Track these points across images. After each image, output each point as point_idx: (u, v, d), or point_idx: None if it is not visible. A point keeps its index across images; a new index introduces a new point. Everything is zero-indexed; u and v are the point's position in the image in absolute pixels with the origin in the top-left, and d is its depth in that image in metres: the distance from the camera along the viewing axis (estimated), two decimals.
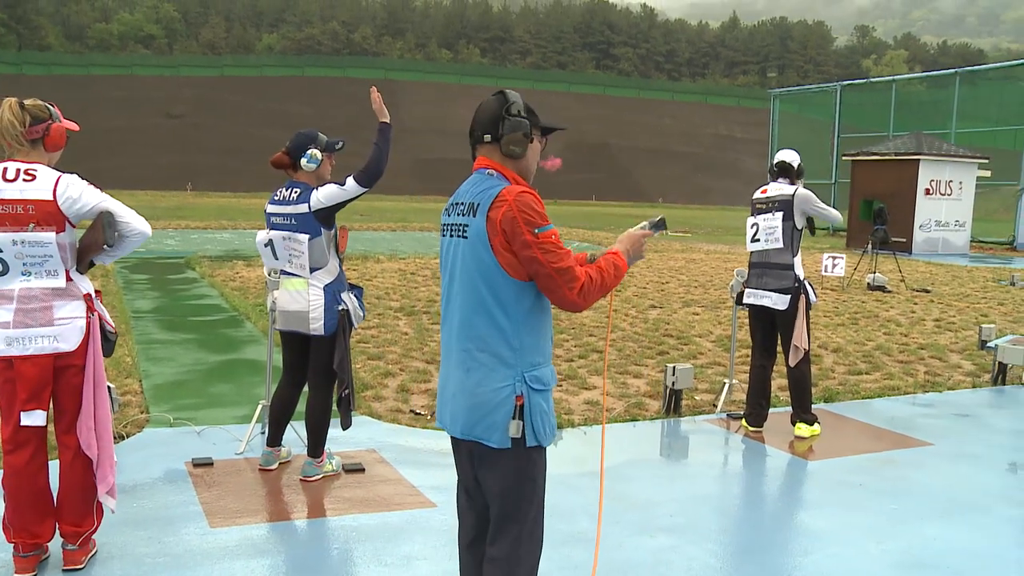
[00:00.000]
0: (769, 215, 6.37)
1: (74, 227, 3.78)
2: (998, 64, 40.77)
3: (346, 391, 5.06)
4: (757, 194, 6.56)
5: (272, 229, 5.04)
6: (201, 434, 5.98)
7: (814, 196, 6.42)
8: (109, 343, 3.93)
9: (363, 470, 5.33)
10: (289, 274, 5.05)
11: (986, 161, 28.07)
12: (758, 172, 57.51)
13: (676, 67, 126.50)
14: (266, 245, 5.11)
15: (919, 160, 26.25)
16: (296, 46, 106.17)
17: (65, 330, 3.72)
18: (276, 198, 5.05)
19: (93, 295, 3.86)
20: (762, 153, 52.99)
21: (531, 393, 2.84)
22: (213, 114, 78.77)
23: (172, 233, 24.73)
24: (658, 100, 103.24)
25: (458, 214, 2.91)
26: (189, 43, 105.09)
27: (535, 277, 2.81)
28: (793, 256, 6.33)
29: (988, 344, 9.77)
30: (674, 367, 6.88)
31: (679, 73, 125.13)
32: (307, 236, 4.87)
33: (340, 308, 4.95)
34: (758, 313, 6.52)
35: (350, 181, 4.83)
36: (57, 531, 3.90)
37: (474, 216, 2.83)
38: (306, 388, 5.25)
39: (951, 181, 26.94)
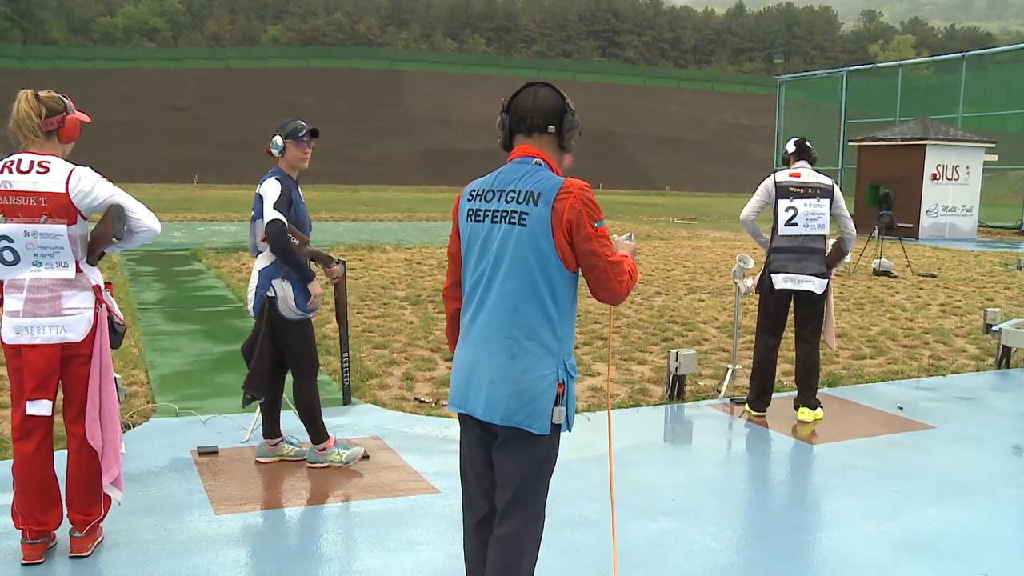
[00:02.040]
0: (813, 201, 6.34)
1: (85, 220, 3.82)
2: (1006, 47, 40.56)
3: (248, 372, 5.04)
4: (784, 177, 6.42)
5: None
6: (206, 423, 6.02)
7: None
8: (117, 335, 3.97)
9: (367, 457, 5.36)
10: None
11: (993, 145, 27.95)
12: (764, 159, 57.44)
13: (682, 54, 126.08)
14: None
15: (926, 145, 26.16)
16: (301, 37, 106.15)
17: (73, 320, 3.76)
18: None
19: (102, 287, 3.90)
20: (768, 140, 52.84)
21: (568, 380, 2.93)
22: (218, 107, 78.85)
23: (178, 225, 24.79)
24: (664, 88, 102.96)
25: (507, 200, 2.89)
26: (194, 36, 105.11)
27: (590, 270, 2.88)
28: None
29: (993, 328, 9.75)
30: (677, 353, 6.90)
31: (685, 60, 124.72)
32: (253, 214, 4.98)
33: (267, 294, 4.94)
34: (786, 298, 6.45)
35: (270, 215, 4.76)
36: (65, 519, 3.94)
37: (535, 205, 2.83)
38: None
39: (958, 166, 26.84)
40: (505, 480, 2.98)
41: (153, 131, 71.80)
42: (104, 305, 3.88)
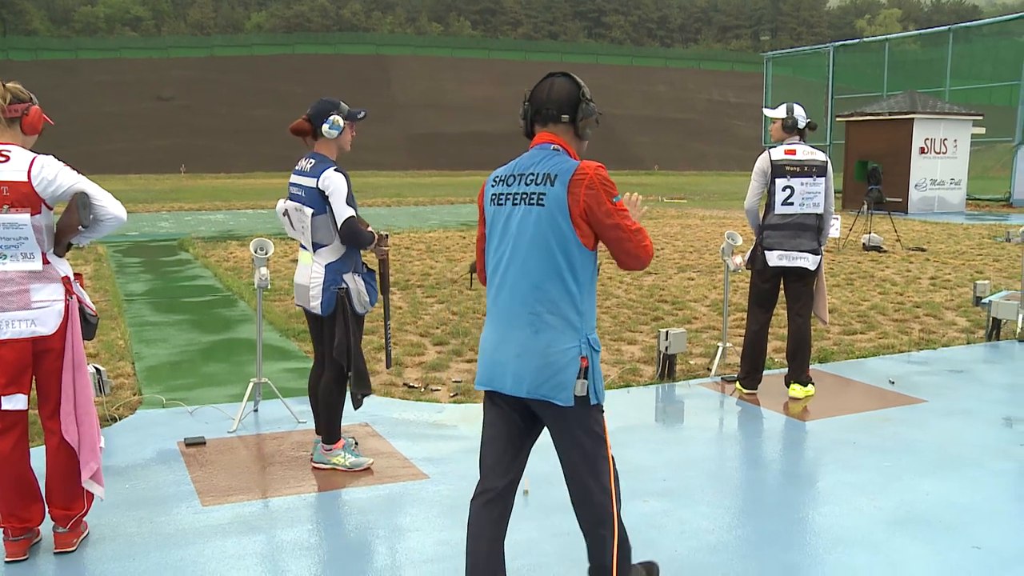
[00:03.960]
0: (810, 180, 6.25)
1: (50, 209, 3.73)
2: (992, 19, 40.49)
3: (349, 374, 4.89)
4: (780, 155, 6.29)
5: (289, 199, 4.88)
6: (194, 414, 5.97)
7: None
8: (90, 326, 3.90)
9: (356, 443, 5.30)
10: (304, 247, 4.88)
11: (980, 118, 27.89)
12: (753, 137, 57.34)
13: (668, 33, 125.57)
14: (284, 214, 4.93)
15: (913, 119, 26.10)
16: (286, 24, 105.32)
17: (43, 313, 3.68)
18: (298, 168, 4.87)
19: (71, 278, 3.82)
20: (756, 118, 52.75)
21: (592, 355, 3.03)
22: (204, 95, 78.28)
23: (166, 216, 24.66)
24: (651, 67, 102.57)
25: (526, 183, 3.04)
26: (177, 24, 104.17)
27: (617, 242, 3.03)
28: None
29: (982, 300, 9.75)
30: (667, 332, 6.86)
31: (671, 39, 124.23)
32: (311, 211, 4.70)
33: (339, 288, 4.76)
34: (778, 274, 6.40)
35: (345, 212, 4.66)
36: (48, 515, 3.89)
37: (552, 185, 2.98)
38: None
39: (946, 139, 26.80)
40: (564, 454, 3.12)
41: (139, 121, 71.24)
42: (75, 296, 3.80)
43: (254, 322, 9.10)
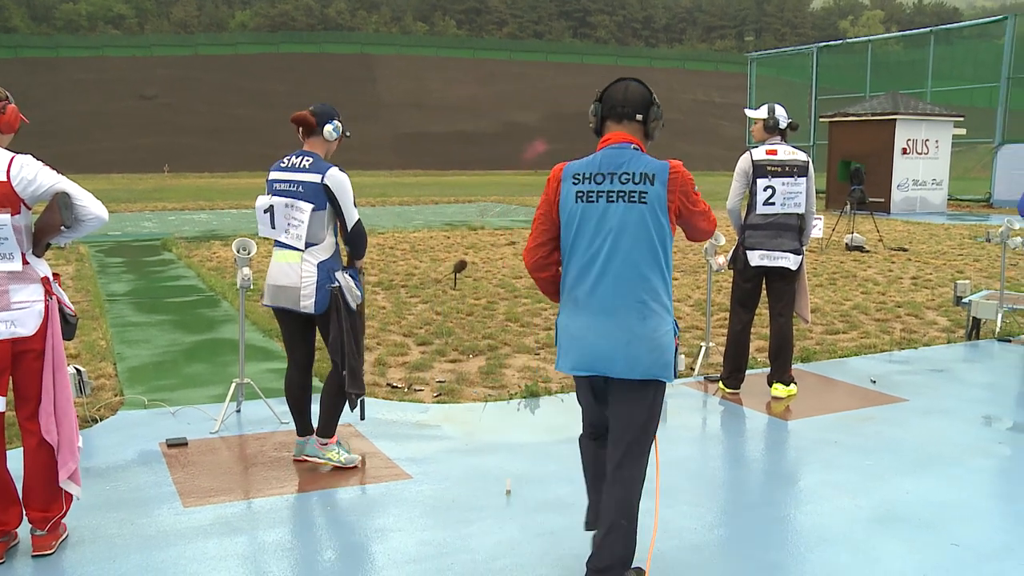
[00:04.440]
0: (791, 180, 6.27)
1: (29, 209, 3.71)
2: (973, 22, 40.80)
3: (344, 372, 4.88)
4: (761, 155, 6.30)
5: (275, 195, 4.80)
6: (176, 415, 5.94)
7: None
8: (70, 326, 3.87)
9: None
10: (283, 246, 4.80)
11: (961, 119, 28.08)
12: (737, 136, 57.55)
13: (653, 33, 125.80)
14: (265, 211, 4.84)
15: (895, 120, 26.25)
16: (270, 23, 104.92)
17: (23, 314, 3.65)
18: (283, 165, 4.82)
19: (51, 278, 3.80)
20: (741, 118, 52.89)
21: (678, 335, 3.44)
22: (188, 94, 77.89)
23: (149, 215, 24.53)
24: (636, 67, 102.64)
25: (621, 181, 3.32)
26: (160, 22, 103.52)
27: (695, 224, 3.49)
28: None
29: (963, 300, 9.81)
30: None
31: (656, 39, 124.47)
32: (311, 206, 4.67)
33: (332, 286, 4.73)
34: (760, 274, 6.41)
35: (355, 214, 4.78)
36: (25, 517, 3.86)
37: (652, 184, 3.30)
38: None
39: (927, 140, 26.97)
40: (628, 428, 3.41)
41: (121, 120, 70.82)
42: (54, 297, 3.78)
43: (237, 322, 9.06)
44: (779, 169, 6.27)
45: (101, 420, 5.80)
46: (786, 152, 6.33)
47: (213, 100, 77.40)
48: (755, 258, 6.32)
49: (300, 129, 4.86)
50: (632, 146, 3.39)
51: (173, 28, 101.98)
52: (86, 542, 3.97)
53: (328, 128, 4.81)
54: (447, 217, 24.02)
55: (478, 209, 26.91)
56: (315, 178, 4.68)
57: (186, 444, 5.34)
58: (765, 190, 6.28)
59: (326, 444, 4.96)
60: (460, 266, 11.75)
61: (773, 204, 6.28)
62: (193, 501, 4.47)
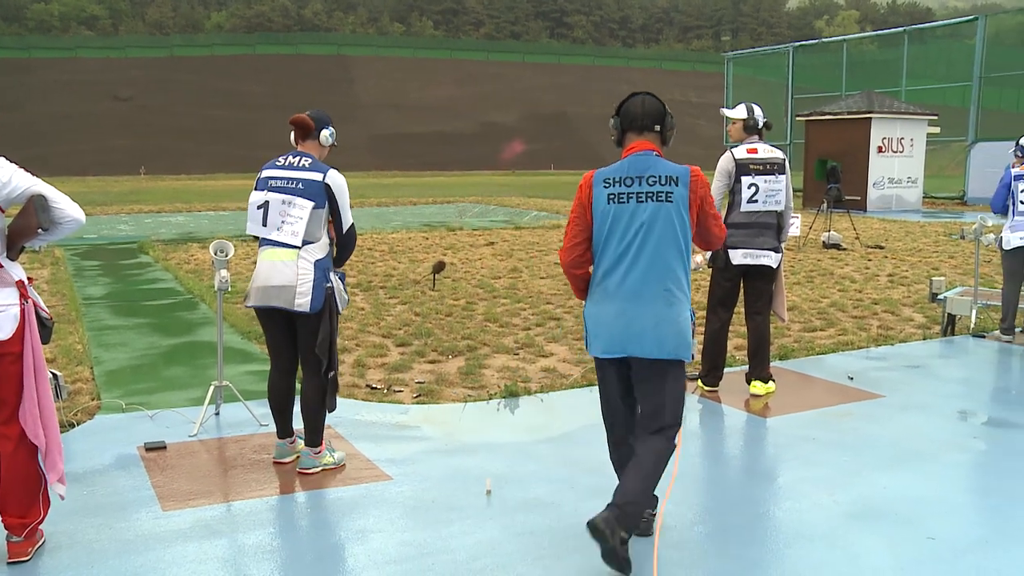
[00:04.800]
0: (772, 177, 6.31)
1: (3, 212, 3.67)
2: (945, 22, 41.19)
3: (331, 373, 4.87)
4: (743, 154, 6.32)
5: (271, 191, 4.76)
6: (154, 418, 5.90)
7: None
8: (46, 329, 3.84)
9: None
10: (274, 244, 4.74)
11: (935, 118, 28.35)
12: (715, 136, 57.74)
13: (630, 33, 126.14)
14: (259, 207, 4.78)
15: (871, 118, 26.46)
16: (246, 24, 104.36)
17: None
18: (280, 163, 4.81)
19: (26, 281, 3.76)
20: (717, 117, 53.00)
21: (694, 320, 3.85)
22: (164, 96, 77.34)
23: (125, 218, 24.36)
24: (613, 67, 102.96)
25: (649, 183, 3.76)
26: (135, 23, 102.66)
27: (709, 227, 3.92)
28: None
29: (938, 296, 9.90)
30: None
31: (633, 39, 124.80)
32: (312, 204, 4.68)
33: (328, 286, 4.74)
34: (740, 273, 6.42)
35: (351, 218, 4.90)
36: (1, 523, 3.82)
37: (676, 186, 3.74)
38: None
39: (902, 138, 27.20)
40: (662, 403, 3.79)
41: (96, 122, 70.23)
42: (30, 300, 3.74)
43: (215, 325, 9.01)
44: (761, 167, 6.31)
45: (78, 424, 5.76)
46: (766, 150, 6.38)
47: (189, 101, 76.93)
48: (737, 257, 6.34)
49: (295, 132, 4.89)
50: (654, 153, 3.85)
51: (148, 29, 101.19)
52: (63, 548, 3.94)
53: (325, 134, 4.89)
54: (425, 218, 23.99)
55: (457, 210, 26.90)
56: (317, 176, 4.73)
57: (165, 448, 5.30)
58: (750, 188, 6.30)
59: (319, 452, 4.94)
60: (439, 267, 11.74)
61: (756, 202, 6.31)
62: (172, 505, 4.45)
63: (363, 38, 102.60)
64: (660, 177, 3.76)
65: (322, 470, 4.92)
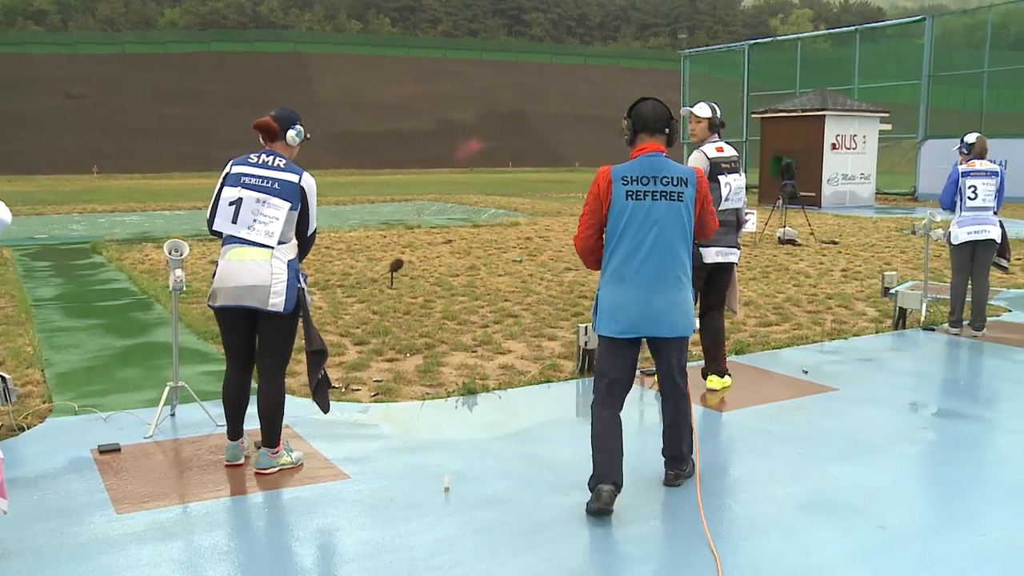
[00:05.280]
0: (736, 175, 6.36)
1: None
2: (896, 21, 41.90)
3: (323, 373, 4.86)
4: (714, 153, 6.34)
5: (245, 188, 4.70)
6: (108, 420, 5.82)
7: None
8: None
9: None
10: (244, 242, 4.68)
11: (887, 115, 28.82)
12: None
13: (588, 31, 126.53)
14: (231, 203, 4.70)
15: (824, 116, 26.82)
16: (201, 21, 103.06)
17: None
18: (253, 160, 4.76)
19: None
20: (676, 116, 53.40)
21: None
22: (117, 93, 76.10)
23: (77, 218, 23.96)
24: (571, 65, 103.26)
25: (663, 183, 4.26)
26: (85, 19, 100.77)
27: (706, 220, 4.49)
28: None
29: (890, 291, 10.08)
30: (586, 327, 6.93)
31: (591, 37, 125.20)
32: (288, 205, 4.67)
33: (300, 286, 4.72)
34: (710, 270, 6.44)
35: (315, 221, 4.94)
36: None
37: (686, 186, 4.29)
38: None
39: (855, 135, 27.60)
40: (673, 373, 4.51)
41: (47, 120, 68.87)
42: None
43: (171, 325, 8.91)
44: (729, 166, 6.38)
45: (28, 428, 5.66)
46: (728, 149, 6.45)
47: (143, 99, 75.79)
48: (711, 255, 6.36)
49: (261, 135, 4.86)
50: (663, 154, 4.35)
51: (99, 25, 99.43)
52: (12, 554, 3.87)
53: (291, 133, 4.85)
54: (383, 216, 23.90)
55: (414, 208, 26.82)
56: (293, 178, 4.73)
57: (119, 450, 5.23)
58: (725, 186, 6.34)
59: (276, 452, 4.91)
60: (397, 265, 11.70)
61: (729, 200, 6.38)
62: (126, 507, 4.39)
63: (320, 36, 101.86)
64: (672, 178, 4.27)
65: (279, 470, 4.89)
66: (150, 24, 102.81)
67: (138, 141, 67.34)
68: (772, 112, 28.66)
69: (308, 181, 4.80)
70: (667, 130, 4.38)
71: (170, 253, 5.63)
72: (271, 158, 4.78)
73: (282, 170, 4.74)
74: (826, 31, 48.38)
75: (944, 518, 4.26)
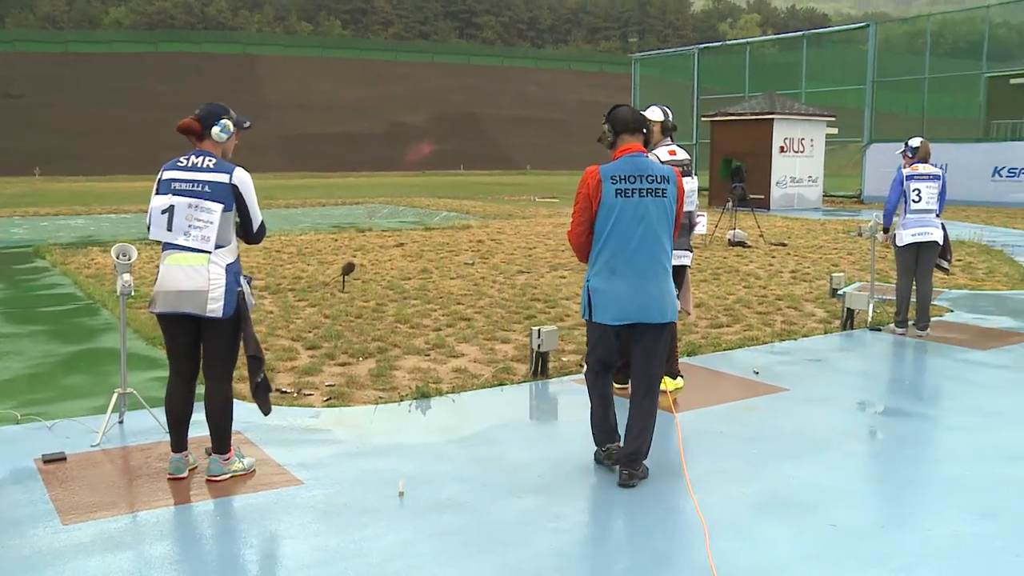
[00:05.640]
0: (690, 178, 6.37)
1: None
2: (841, 27, 42.69)
3: (262, 376, 4.78)
4: (667, 156, 6.33)
5: (175, 195, 4.61)
6: (52, 428, 5.68)
7: None
8: None
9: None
10: (182, 248, 4.60)
11: (834, 119, 29.32)
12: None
13: (539, 34, 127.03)
14: (164, 211, 4.61)
15: (773, 119, 27.19)
16: (147, 21, 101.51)
17: None
18: (182, 164, 4.65)
19: None
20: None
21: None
22: (60, 93, 74.65)
23: (18, 221, 23.44)
24: (522, 68, 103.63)
25: (648, 181, 4.62)
26: (24, 16, 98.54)
27: (678, 217, 4.82)
28: None
29: (838, 292, 10.25)
30: (539, 330, 6.94)
31: (542, 40, 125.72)
32: (221, 207, 4.57)
33: (239, 289, 4.65)
34: None
35: (260, 214, 4.84)
36: None
37: (668, 184, 4.67)
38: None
39: (803, 139, 28.02)
40: (652, 361, 4.77)
41: None
42: None
43: (117, 331, 8.74)
44: (683, 169, 6.40)
45: None
46: (681, 152, 6.48)
47: (88, 100, 74.48)
48: (674, 258, 6.39)
49: (189, 136, 4.75)
50: (644, 154, 4.72)
51: (39, 23, 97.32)
52: None
53: (215, 130, 4.69)
54: (334, 219, 23.73)
55: (366, 211, 26.67)
56: (223, 178, 4.62)
57: (64, 459, 5.11)
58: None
59: (228, 459, 4.85)
60: (348, 268, 11.62)
61: (685, 203, 6.40)
62: (73, 518, 4.29)
63: (270, 37, 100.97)
64: (656, 176, 4.64)
65: (231, 477, 4.82)
66: (94, 23, 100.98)
67: (82, 143, 66.09)
68: (722, 115, 28.98)
69: (240, 177, 4.66)
70: (644, 131, 4.78)
71: (118, 257, 5.52)
72: (200, 159, 4.66)
73: (212, 171, 4.62)
74: (774, 36, 49.13)
75: (892, 515, 4.34)
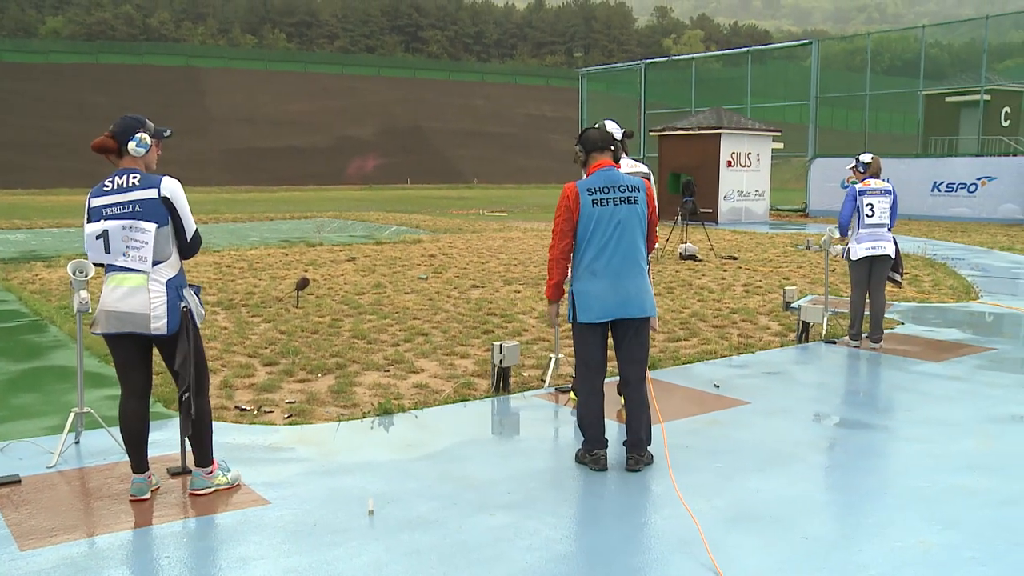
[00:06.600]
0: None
1: None
2: (783, 44, 43.57)
3: (186, 394, 4.65)
4: (630, 168, 6.28)
5: (107, 220, 4.50)
6: (4, 450, 5.52)
7: None
8: None
9: (190, 472, 5.04)
10: (122, 269, 4.52)
11: (779, 134, 29.86)
12: (569, 150, 58.96)
13: (485, 48, 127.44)
14: (98, 237, 4.51)
15: (720, 134, 27.59)
16: (86, 31, 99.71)
17: None
18: (107, 188, 4.52)
19: None
20: (573, 131, 54.16)
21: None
22: None
23: None
24: (468, 82, 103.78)
25: (621, 190, 5.08)
26: None
27: (652, 232, 5.35)
28: None
29: (791, 305, 10.40)
30: (501, 345, 6.93)
31: (488, 55, 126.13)
32: (155, 225, 4.47)
33: (183, 306, 4.56)
34: None
35: (193, 223, 4.74)
36: None
37: (639, 192, 5.13)
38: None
39: (750, 153, 28.47)
40: (641, 349, 5.23)
41: None
42: None
43: (68, 348, 8.55)
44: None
45: None
46: (629, 165, 6.49)
47: (25, 112, 72.87)
48: None
49: (108, 156, 4.63)
50: (614, 168, 5.21)
51: None
52: None
53: (131, 145, 4.56)
54: (283, 234, 23.48)
55: (315, 225, 26.43)
56: (151, 194, 4.50)
57: (19, 481, 4.96)
58: None
59: (211, 472, 4.78)
60: (302, 283, 11.50)
61: None
62: (31, 543, 4.16)
63: (213, 49, 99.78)
64: (627, 186, 5.11)
65: (216, 491, 4.74)
66: (29, 32, 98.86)
67: (20, 156, 64.60)
68: (670, 130, 29.32)
69: (168, 187, 4.54)
70: (612, 147, 5.27)
71: (74, 274, 5.39)
72: (124, 178, 4.54)
73: (139, 188, 4.51)
74: (719, 52, 49.89)
75: (859, 526, 4.39)
